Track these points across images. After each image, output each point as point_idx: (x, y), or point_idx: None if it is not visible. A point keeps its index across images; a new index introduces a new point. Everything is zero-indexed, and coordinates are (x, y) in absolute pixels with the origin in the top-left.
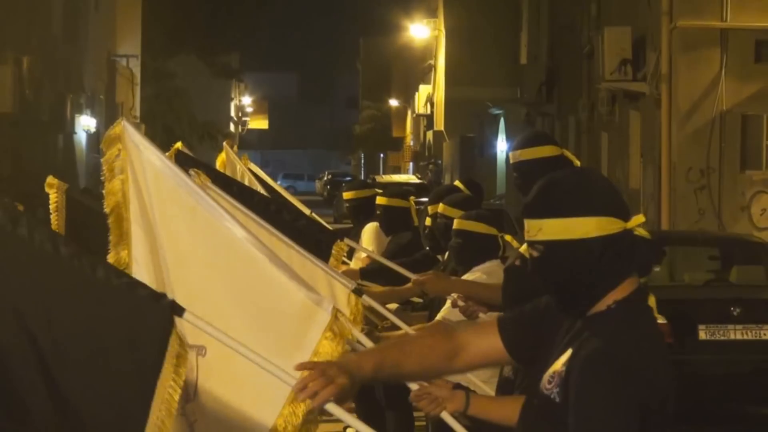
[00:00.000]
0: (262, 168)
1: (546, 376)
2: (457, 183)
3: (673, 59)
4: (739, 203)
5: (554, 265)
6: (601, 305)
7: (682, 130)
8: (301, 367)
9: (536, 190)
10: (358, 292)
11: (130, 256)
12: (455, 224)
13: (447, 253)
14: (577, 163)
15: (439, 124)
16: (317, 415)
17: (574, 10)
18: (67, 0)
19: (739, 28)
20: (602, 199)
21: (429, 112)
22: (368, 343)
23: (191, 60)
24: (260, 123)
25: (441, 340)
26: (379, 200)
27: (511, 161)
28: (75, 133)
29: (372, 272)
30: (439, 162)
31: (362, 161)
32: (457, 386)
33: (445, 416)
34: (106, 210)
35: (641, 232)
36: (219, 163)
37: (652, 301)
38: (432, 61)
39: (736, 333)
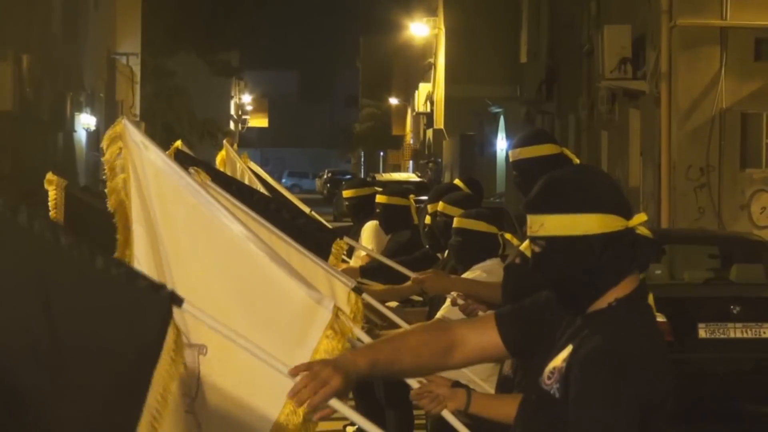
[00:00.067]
0: (262, 166)
1: (546, 372)
2: (456, 181)
3: (673, 57)
4: (738, 201)
5: (555, 261)
6: (602, 302)
7: (681, 129)
8: (295, 370)
9: (540, 186)
10: (358, 290)
11: (131, 255)
12: (455, 222)
13: (447, 252)
14: (577, 161)
15: (439, 122)
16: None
17: (574, 8)
18: None
19: (738, 27)
20: (606, 196)
21: (429, 110)
22: (368, 341)
23: (191, 58)
24: (260, 121)
25: (437, 335)
26: (379, 198)
27: (511, 159)
28: (75, 131)
29: (372, 270)
30: (439, 160)
31: (362, 159)
32: (457, 384)
33: (446, 414)
34: (110, 209)
35: (643, 230)
36: (219, 161)
37: (650, 299)
38: (432, 60)
39: (735, 331)
